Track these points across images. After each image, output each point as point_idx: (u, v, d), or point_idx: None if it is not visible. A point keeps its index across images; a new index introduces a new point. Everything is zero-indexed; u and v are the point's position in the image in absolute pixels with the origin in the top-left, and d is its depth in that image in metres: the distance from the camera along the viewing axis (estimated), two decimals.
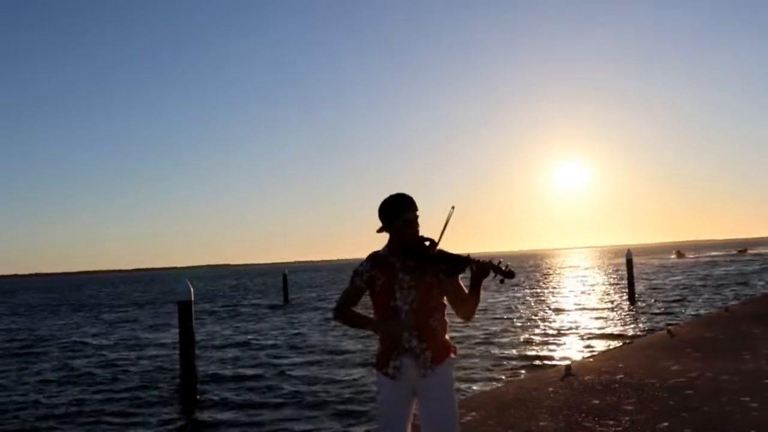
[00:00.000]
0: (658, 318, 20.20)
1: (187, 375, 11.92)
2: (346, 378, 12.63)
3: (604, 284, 40.45)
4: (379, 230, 3.29)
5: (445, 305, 3.29)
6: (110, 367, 15.92)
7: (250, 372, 14.05)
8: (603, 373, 7.65)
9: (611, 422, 5.53)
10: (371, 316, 3.31)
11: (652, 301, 26.75)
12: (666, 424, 5.39)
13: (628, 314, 22.04)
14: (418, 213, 3.24)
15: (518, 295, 34.27)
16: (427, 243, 3.21)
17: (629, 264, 28.23)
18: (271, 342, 19.31)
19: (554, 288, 39.48)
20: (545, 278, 52.64)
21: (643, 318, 20.63)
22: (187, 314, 12.08)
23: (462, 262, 3.13)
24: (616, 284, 38.75)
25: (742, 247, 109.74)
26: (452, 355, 3.28)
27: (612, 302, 27.23)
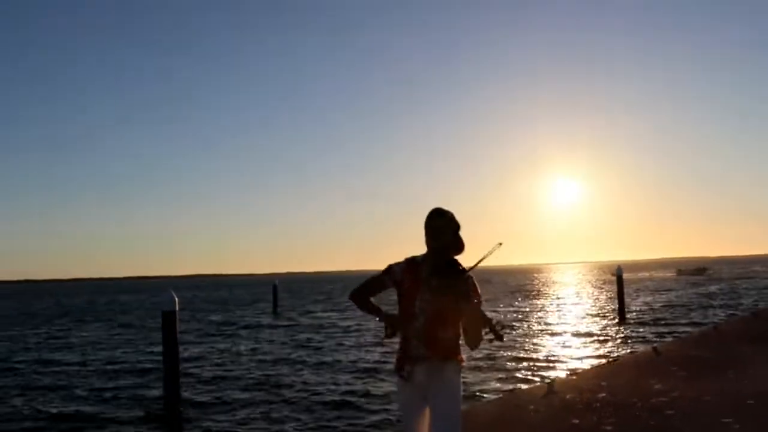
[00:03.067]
0: (647, 335, 20.13)
1: (170, 392, 11.70)
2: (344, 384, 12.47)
3: (594, 300, 40.42)
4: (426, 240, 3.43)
5: (459, 324, 3.40)
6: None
7: (238, 388, 13.86)
8: (585, 392, 7.56)
9: None
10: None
11: (643, 318, 26.68)
12: None
13: (616, 331, 21.97)
14: (453, 226, 3.37)
15: (507, 310, 34.19)
16: (460, 268, 3.36)
17: (619, 280, 28.08)
18: (260, 354, 19.13)
19: (543, 304, 39.40)
20: (535, 294, 52.57)
21: (631, 335, 20.55)
22: (172, 325, 11.91)
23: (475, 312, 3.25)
24: (607, 300, 38.72)
25: (700, 266, 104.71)
26: (460, 364, 3.43)
27: (601, 319, 27.17)
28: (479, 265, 3.23)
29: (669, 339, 16.40)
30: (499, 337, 3.23)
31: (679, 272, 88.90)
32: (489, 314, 3.28)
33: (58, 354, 21.07)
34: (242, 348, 20.89)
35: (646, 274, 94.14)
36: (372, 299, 3.60)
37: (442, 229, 3.36)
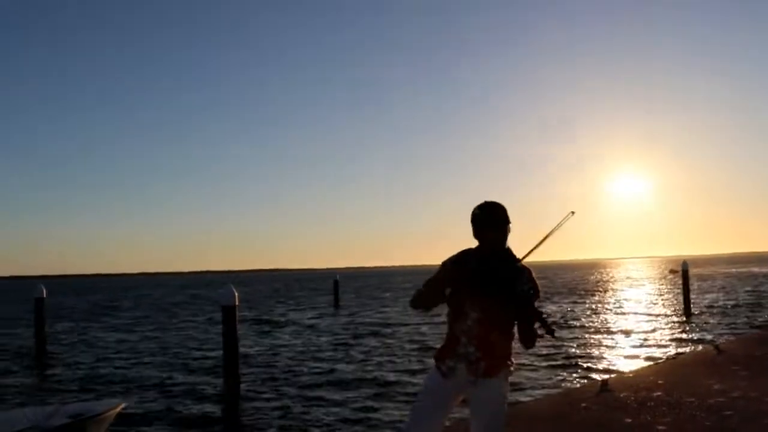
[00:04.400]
0: (712, 333, 19.47)
1: (230, 385, 12.02)
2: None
3: (659, 296, 39.31)
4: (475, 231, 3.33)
5: (513, 326, 3.28)
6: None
7: (292, 380, 14.13)
8: (641, 390, 7.41)
9: None
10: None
11: (709, 314, 25.81)
12: None
13: (680, 328, 21.34)
14: (510, 226, 3.27)
15: (570, 306, 33.63)
16: (518, 264, 3.23)
17: (685, 275, 27.39)
18: (317, 347, 19.43)
19: (608, 299, 38.57)
20: (600, 289, 51.49)
21: (695, 333, 19.94)
22: (232, 320, 12.24)
23: (535, 315, 3.13)
24: (672, 296, 37.60)
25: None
26: (510, 369, 3.32)
27: (666, 315, 26.40)
28: (548, 238, 3.13)
29: (733, 338, 15.81)
30: (551, 332, 3.09)
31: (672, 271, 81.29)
32: (539, 308, 3.15)
33: (123, 345, 21.90)
34: (303, 342, 21.23)
35: (717, 270, 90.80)
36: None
37: (499, 222, 3.24)
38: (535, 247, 3.20)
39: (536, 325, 3.12)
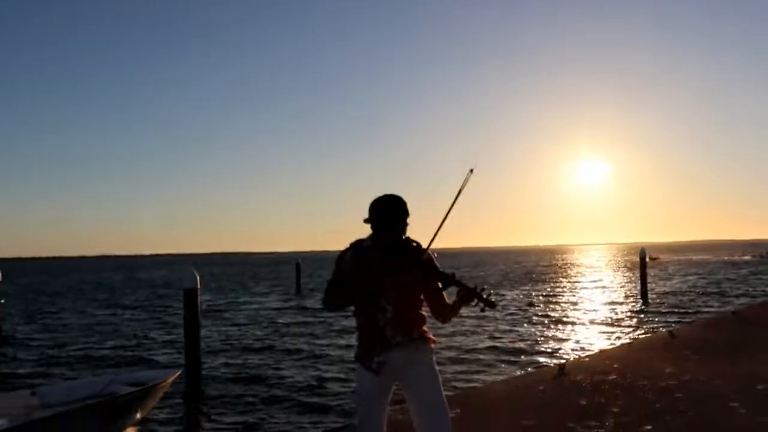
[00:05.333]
0: (668, 319, 19.98)
1: (192, 368, 11.94)
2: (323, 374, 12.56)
3: (616, 283, 40.12)
4: (366, 221, 3.33)
5: (421, 300, 3.38)
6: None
7: (253, 363, 14.11)
8: (596, 373, 7.60)
9: (594, 423, 5.49)
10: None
11: (665, 301, 26.46)
12: (649, 427, 5.35)
13: (637, 314, 21.83)
14: (408, 221, 3.31)
15: (527, 292, 34.13)
16: (414, 244, 3.32)
17: (642, 262, 27.97)
18: (276, 337, 19.40)
19: (565, 286, 39.24)
20: (556, 275, 52.33)
21: (652, 319, 20.42)
22: (193, 303, 12.12)
23: (450, 281, 3.22)
24: (629, 283, 38.43)
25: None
26: (432, 344, 3.40)
27: (622, 302, 26.99)
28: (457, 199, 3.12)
29: (687, 324, 16.26)
30: (491, 305, 3.11)
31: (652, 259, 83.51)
32: (470, 285, 3.17)
33: (79, 332, 21.59)
34: (263, 326, 21.17)
35: (675, 257, 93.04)
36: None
37: (399, 215, 3.27)
38: (445, 216, 3.21)
39: (473, 302, 3.13)
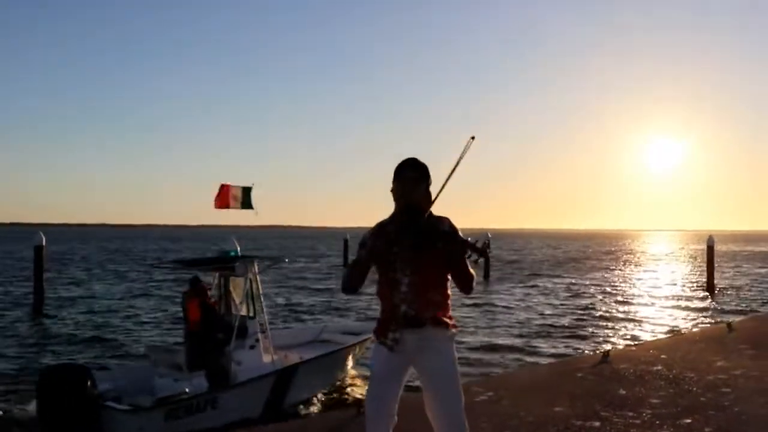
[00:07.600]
0: (732, 311, 19.19)
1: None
2: None
3: (683, 271, 38.81)
4: (391, 190, 3.20)
5: (447, 279, 3.20)
6: None
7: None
8: (641, 363, 7.32)
9: (630, 414, 5.29)
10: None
11: (732, 292, 25.39)
12: (688, 420, 5.11)
13: (700, 305, 21.06)
14: (427, 180, 3.14)
15: (589, 277, 33.41)
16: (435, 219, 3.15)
17: (710, 250, 26.84)
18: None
19: (629, 272, 38.19)
20: (621, 261, 51.01)
21: (714, 310, 19.68)
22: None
23: (464, 243, 3.03)
24: (694, 273, 37.08)
25: None
26: (453, 330, 3.20)
27: (687, 291, 26.07)
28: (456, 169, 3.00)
29: (750, 317, 15.56)
30: (483, 252, 2.97)
31: None
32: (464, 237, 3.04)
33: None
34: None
35: (745, 248, 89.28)
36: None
37: (416, 182, 3.12)
38: (444, 183, 3.09)
39: (467, 254, 3.01)
